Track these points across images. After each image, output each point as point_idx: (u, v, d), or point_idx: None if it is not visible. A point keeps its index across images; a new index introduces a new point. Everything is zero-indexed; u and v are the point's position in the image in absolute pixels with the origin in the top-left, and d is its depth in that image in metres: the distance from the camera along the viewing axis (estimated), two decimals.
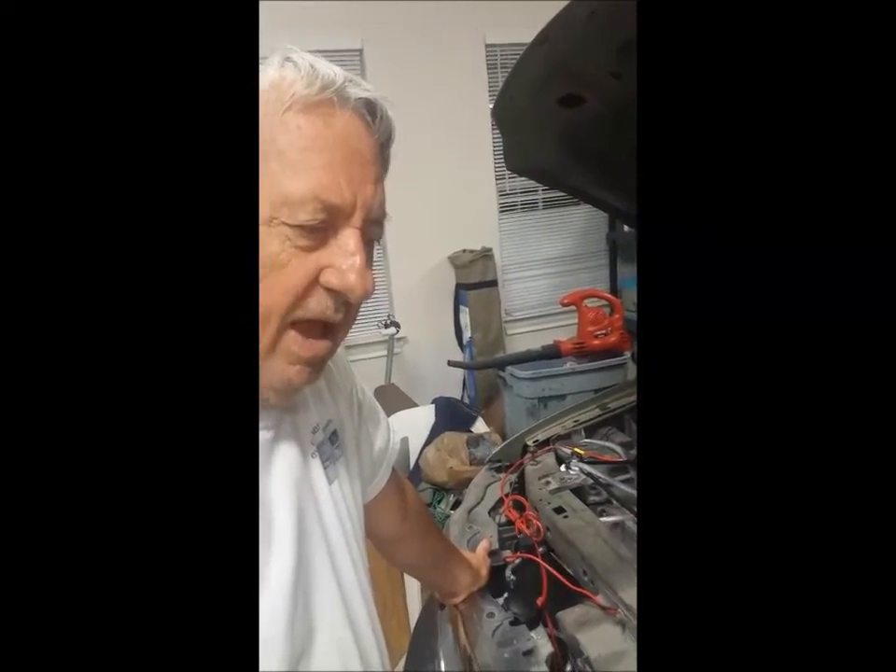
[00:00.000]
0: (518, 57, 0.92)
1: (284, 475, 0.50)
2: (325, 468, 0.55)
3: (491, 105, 3.07)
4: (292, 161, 0.41)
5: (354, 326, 0.51)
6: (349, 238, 0.44)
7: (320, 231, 0.43)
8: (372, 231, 0.47)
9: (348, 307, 0.46)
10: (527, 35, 0.84)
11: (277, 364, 0.45)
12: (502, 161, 1.25)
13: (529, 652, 0.74)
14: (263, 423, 0.48)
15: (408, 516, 0.80)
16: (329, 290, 0.44)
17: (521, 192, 3.37)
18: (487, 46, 3.13)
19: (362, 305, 0.49)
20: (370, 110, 0.44)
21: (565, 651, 0.75)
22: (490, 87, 3.15)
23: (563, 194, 3.36)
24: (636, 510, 0.93)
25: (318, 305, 0.44)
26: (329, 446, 0.57)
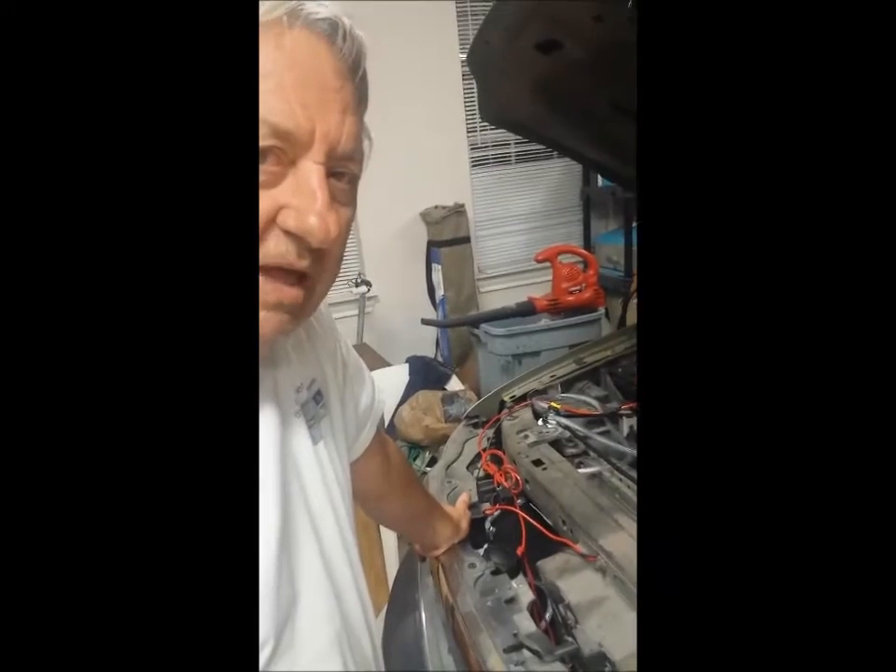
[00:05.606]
0: (493, 2, 0.89)
1: (266, 436, 0.48)
2: (309, 427, 0.53)
3: (461, 56, 2.99)
4: None
5: None
6: (310, 174, 0.39)
7: (274, 164, 0.39)
8: (344, 167, 0.42)
9: (317, 254, 0.42)
10: None
11: None
12: (473, 113, 1.22)
13: (511, 600, 0.76)
14: None
15: (390, 473, 0.79)
16: (288, 233, 0.40)
17: (493, 146, 3.31)
18: None
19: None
20: (331, 29, 0.40)
21: (545, 598, 0.77)
22: (460, 37, 3.06)
23: (536, 148, 3.34)
24: (612, 461, 0.95)
25: (277, 248, 0.40)
26: (314, 405, 0.55)
